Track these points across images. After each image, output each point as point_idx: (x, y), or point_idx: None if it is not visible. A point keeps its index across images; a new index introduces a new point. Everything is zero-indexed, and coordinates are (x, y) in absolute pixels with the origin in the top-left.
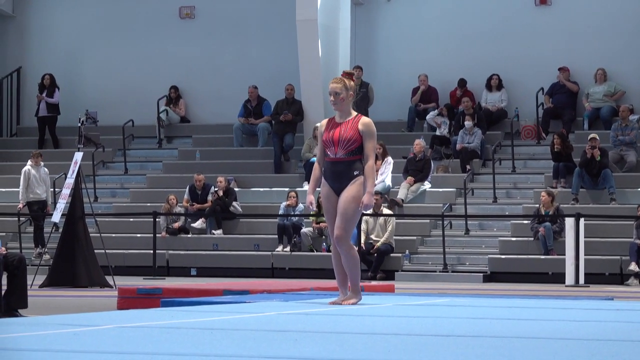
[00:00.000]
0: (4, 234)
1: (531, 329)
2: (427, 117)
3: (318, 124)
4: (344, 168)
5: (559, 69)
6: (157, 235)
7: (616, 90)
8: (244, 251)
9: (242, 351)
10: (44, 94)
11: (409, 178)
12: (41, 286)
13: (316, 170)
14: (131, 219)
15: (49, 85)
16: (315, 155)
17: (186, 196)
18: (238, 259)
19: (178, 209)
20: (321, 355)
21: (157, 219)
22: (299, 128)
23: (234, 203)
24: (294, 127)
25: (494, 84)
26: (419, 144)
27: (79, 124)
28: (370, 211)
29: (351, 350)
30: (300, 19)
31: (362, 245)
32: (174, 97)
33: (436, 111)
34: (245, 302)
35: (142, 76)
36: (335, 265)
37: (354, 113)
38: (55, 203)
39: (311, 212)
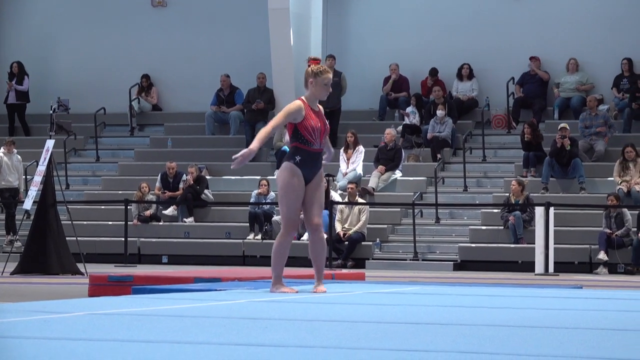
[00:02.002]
0: None
1: (500, 317)
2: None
3: (296, 106)
4: (319, 159)
5: (530, 58)
6: (128, 222)
7: (588, 82)
8: (216, 239)
9: (213, 338)
10: (14, 82)
11: (380, 167)
12: (12, 273)
13: (266, 132)
14: (103, 207)
15: (17, 73)
16: (287, 144)
17: (158, 184)
18: (209, 247)
19: (150, 197)
20: (291, 342)
21: (128, 207)
22: (270, 116)
23: (206, 191)
24: (265, 115)
25: (465, 73)
26: (390, 133)
27: (51, 112)
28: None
29: (321, 338)
30: (272, 8)
31: (340, 233)
32: (145, 85)
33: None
34: (216, 290)
35: (114, 64)
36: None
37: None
38: (27, 190)
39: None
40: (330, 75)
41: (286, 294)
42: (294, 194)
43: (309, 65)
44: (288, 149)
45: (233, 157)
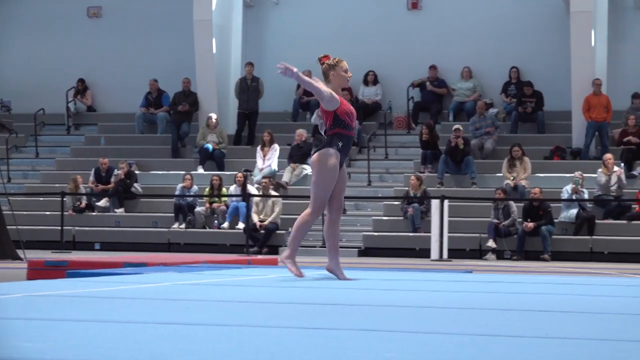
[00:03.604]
0: None
1: (399, 298)
2: (312, 119)
3: (333, 91)
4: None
5: (429, 68)
6: (64, 213)
7: (479, 88)
8: (144, 228)
9: (139, 317)
10: None
11: (293, 164)
12: None
13: (309, 81)
14: (41, 198)
15: None
16: (209, 142)
17: (92, 178)
18: (138, 235)
19: (83, 189)
20: (209, 321)
21: (64, 199)
22: (194, 117)
23: (135, 184)
24: (189, 116)
25: (370, 79)
26: (301, 133)
27: None
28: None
29: (236, 317)
30: (196, 19)
31: (256, 224)
32: (81, 88)
33: (316, 112)
34: (142, 274)
35: (52, 69)
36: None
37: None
38: None
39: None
40: (346, 63)
41: (292, 274)
42: (332, 178)
43: (323, 63)
44: (211, 147)
45: (280, 64)
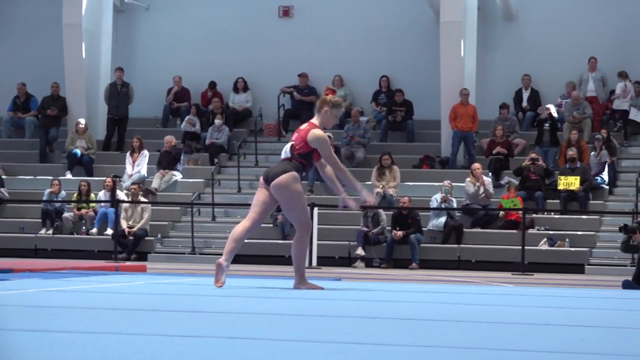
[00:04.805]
0: None
1: (267, 306)
2: (182, 126)
3: (319, 125)
4: None
5: (299, 75)
6: None
7: (348, 98)
8: (10, 233)
9: (3, 325)
10: None
11: (162, 170)
12: None
13: (343, 168)
14: None
15: None
16: (78, 148)
17: None
18: (4, 241)
19: None
20: (75, 328)
21: None
22: (63, 122)
23: (2, 189)
24: (58, 121)
25: (240, 86)
26: (170, 139)
27: None
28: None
29: (103, 324)
30: (66, 23)
31: (124, 230)
32: None
33: (187, 118)
34: (8, 280)
35: None
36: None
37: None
38: None
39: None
40: (343, 109)
41: (313, 290)
42: (303, 200)
43: (327, 94)
44: (79, 153)
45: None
